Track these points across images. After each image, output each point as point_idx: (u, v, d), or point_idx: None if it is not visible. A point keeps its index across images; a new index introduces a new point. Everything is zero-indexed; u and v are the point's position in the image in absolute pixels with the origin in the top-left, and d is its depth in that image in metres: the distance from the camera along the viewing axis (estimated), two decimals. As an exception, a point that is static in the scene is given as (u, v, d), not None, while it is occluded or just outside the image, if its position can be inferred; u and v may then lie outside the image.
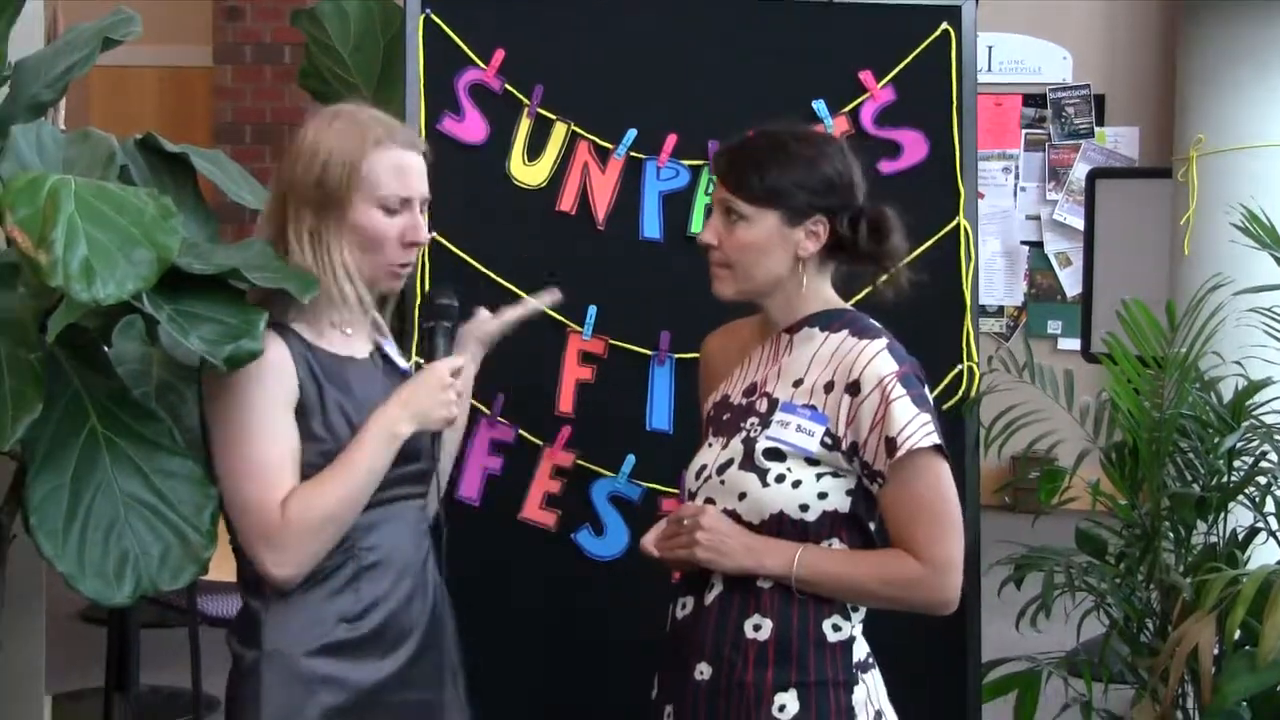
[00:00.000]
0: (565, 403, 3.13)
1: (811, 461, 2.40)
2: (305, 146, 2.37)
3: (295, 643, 2.32)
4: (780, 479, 2.40)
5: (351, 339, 2.42)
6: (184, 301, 2.22)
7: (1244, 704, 3.08)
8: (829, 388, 2.42)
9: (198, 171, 2.80)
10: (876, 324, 2.49)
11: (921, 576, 2.38)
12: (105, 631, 4.96)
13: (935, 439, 2.37)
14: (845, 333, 2.47)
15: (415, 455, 2.41)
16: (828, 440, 2.40)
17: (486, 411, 3.10)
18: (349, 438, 2.33)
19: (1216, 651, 3.03)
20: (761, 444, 2.42)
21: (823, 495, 2.40)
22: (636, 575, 3.09)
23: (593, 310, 3.14)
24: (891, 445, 2.36)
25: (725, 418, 2.52)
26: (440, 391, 2.39)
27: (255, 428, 2.29)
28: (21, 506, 2.31)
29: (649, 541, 2.52)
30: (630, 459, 3.15)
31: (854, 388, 2.40)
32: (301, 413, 2.32)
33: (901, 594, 2.40)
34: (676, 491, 3.14)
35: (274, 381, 2.30)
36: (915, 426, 2.36)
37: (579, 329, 3.14)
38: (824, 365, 2.45)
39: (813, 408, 2.42)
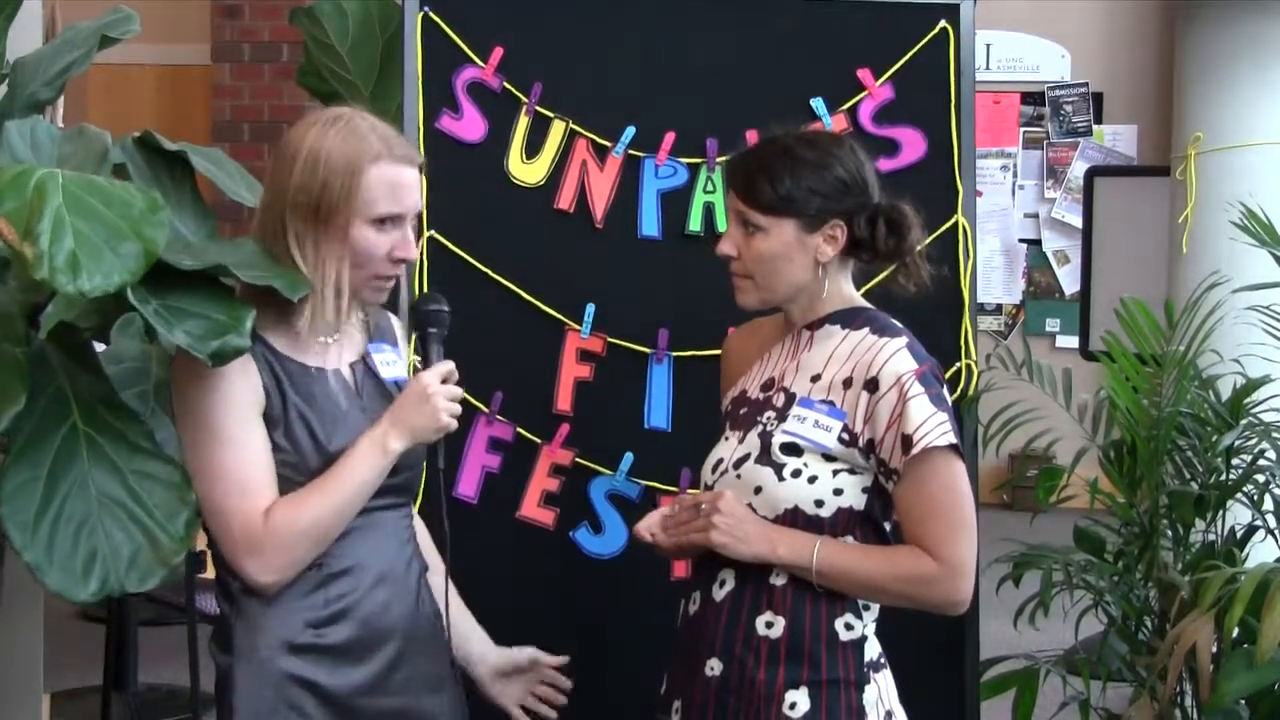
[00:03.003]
0: (563, 401, 3.13)
1: (828, 457, 2.40)
2: (304, 153, 2.32)
3: (263, 646, 2.32)
4: (796, 474, 2.39)
5: (329, 349, 2.39)
6: (171, 296, 2.20)
7: (1242, 702, 3.08)
8: (847, 384, 2.42)
9: (196, 170, 2.80)
10: (898, 323, 2.48)
11: (935, 575, 2.37)
12: (103, 630, 4.97)
13: (952, 438, 2.36)
14: (866, 330, 2.46)
15: (396, 468, 2.38)
16: (845, 436, 2.40)
17: (485, 410, 3.10)
18: (311, 450, 2.31)
19: (1215, 649, 3.03)
20: (778, 438, 2.42)
21: (838, 491, 2.40)
22: (635, 573, 3.10)
23: (591, 308, 3.14)
24: (908, 442, 2.35)
25: (742, 412, 2.52)
26: (424, 403, 2.34)
27: (227, 436, 2.28)
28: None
29: (646, 527, 2.50)
30: (629, 457, 3.15)
31: (872, 384, 2.39)
32: (265, 421, 2.31)
33: (914, 591, 2.39)
34: (675, 489, 3.14)
35: (242, 388, 2.29)
36: (932, 425, 2.35)
37: (577, 327, 3.14)
38: (843, 362, 2.44)
39: (830, 403, 2.42)
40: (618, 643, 3.13)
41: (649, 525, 2.51)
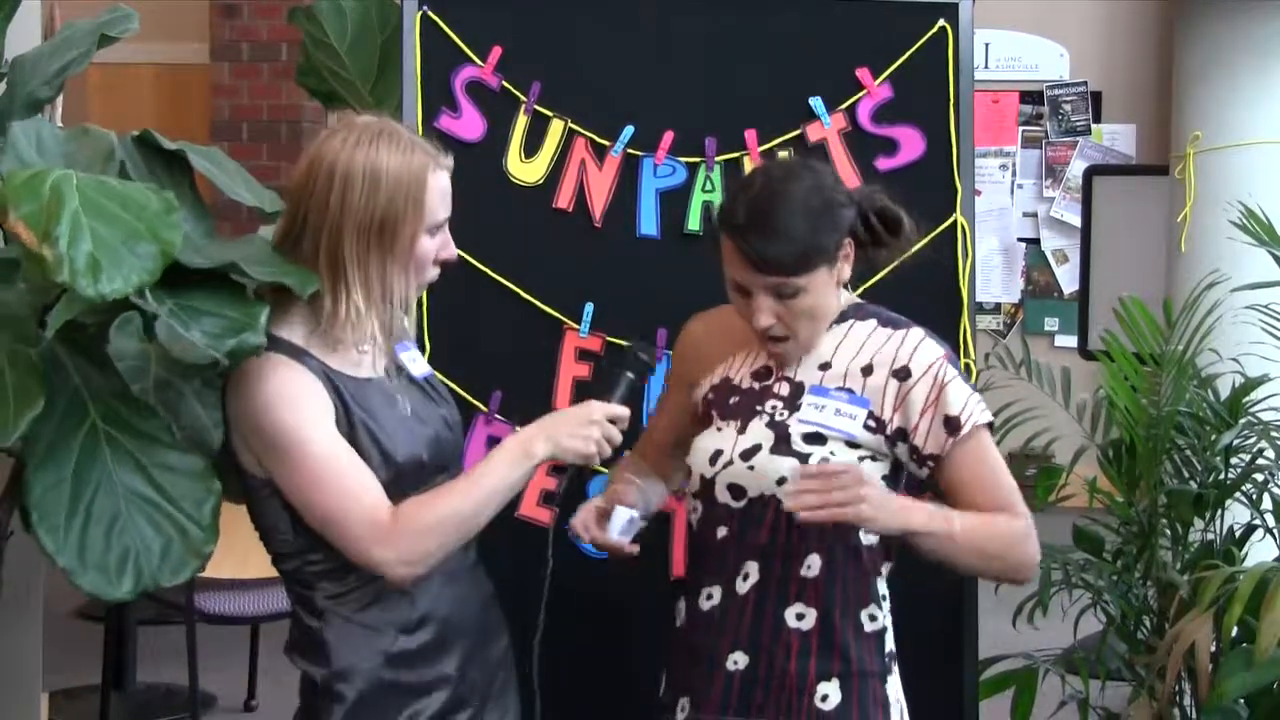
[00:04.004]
0: (562, 400, 3.13)
1: (852, 445, 2.41)
2: (359, 173, 2.31)
3: (364, 659, 2.35)
4: (823, 462, 2.39)
5: (367, 357, 2.40)
6: (185, 296, 2.22)
7: (1241, 701, 3.08)
8: (868, 371, 2.43)
9: (195, 169, 2.79)
10: (901, 315, 2.52)
11: (1026, 531, 2.42)
12: (102, 628, 4.97)
13: (990, 414, 2.44)
14: (873, 322, 2.49)
15: (444, 466, 2.41)
16: (871, 424, 2.41)
17: (484, 409, 3.10)
18: (380, 463, 2.32)
19: (1214, 649, 3.04)
20: (798, 428, 2.41)
21: None
22: (634, 573, 3.10)
23: (589, 307, 3.14)
24: (954, 423, 2.39)
25: (733, 401, 2.50)
26: (582, 426, 2.36)
27: (326, 447, 2.27)
28: (20, 503, 2.31)
29: (582, 523, 2.49)
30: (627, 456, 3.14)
31: (903, 373, 2.42)
32: None
33: (1013, 551, 2.42)
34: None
35: (321, 404, 2.29)
36: (974, 404, 2.41)
37: (575, 326, 3.14)
38: (855, 350, 2.46)
39: (850, 391, 2.43)
40: (616, 642, 3.13)
41: (584, 521, 2.50)
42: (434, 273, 2.44)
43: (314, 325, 2.35)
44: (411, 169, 2.33)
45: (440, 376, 2.63)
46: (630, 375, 2.49)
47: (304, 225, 2.34)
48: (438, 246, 2.40)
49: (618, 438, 2.39)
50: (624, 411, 2.42)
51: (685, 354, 2.66)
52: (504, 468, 2.34)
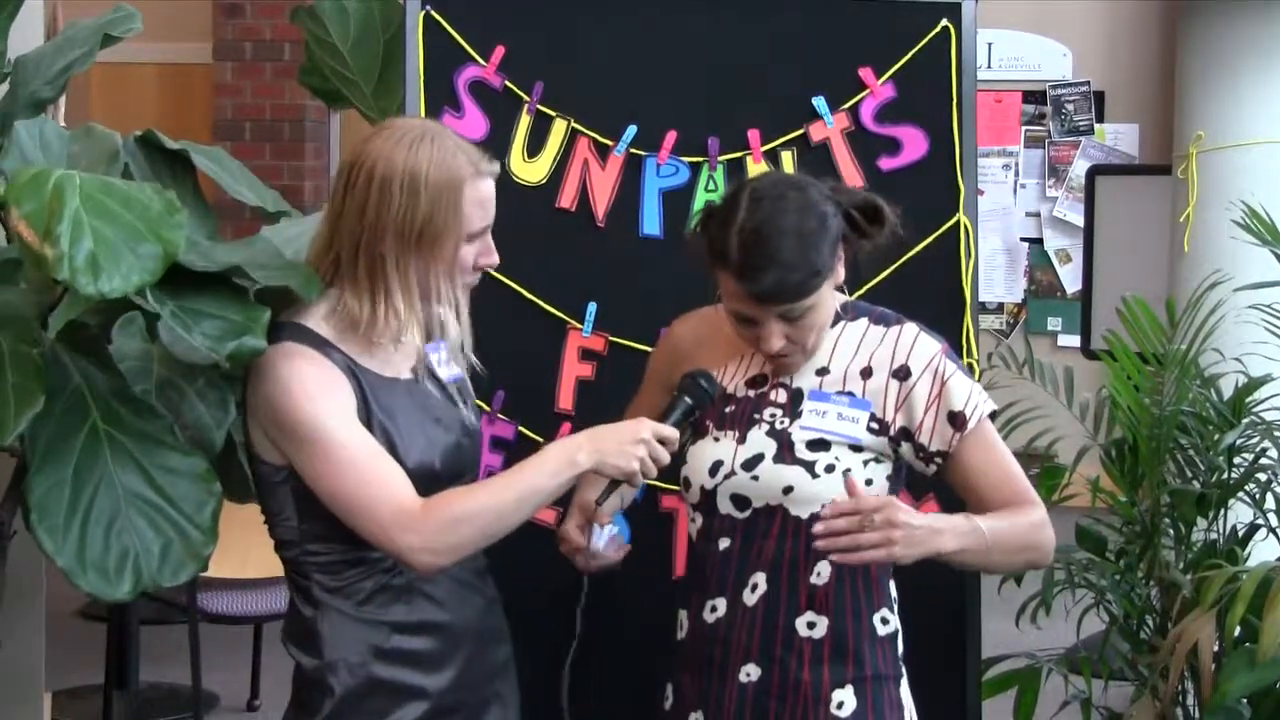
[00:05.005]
0: (565, 399, 3.13)
1: (856, 449, 2.40)
2: (398, 178, 2.30)
3: (355, 651, 2.35)
4: (830, 469, 2.38)
5: (396, 356, 2.40)
6: (187, 298, 2.22)
7: (1244, 701, 3.08)
8: (867, 373, 2.42)
9: (197, 169, 2.80)
10: (888, 310, 2.51)
11: (1045, 517, 2.42)
12: (105, 628, 4.97)
13: (993, 403, 2.45)
14: (864, 321, 2.48)
15: (460, 473, 2.41)
16: (874, 425, 2.40)
17: (487, 408, 3.10)
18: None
19: (1216, 649, 3.04)
20: (801, 435, 2.40)
21: (869, 482, 2.39)
22: (638, 574, 3.10)
23: (593, 307, 3.14)
24: (959, 419, 2.39)
25: (728, 410, 2.49)
26: (629, 444, 2.31)
27: (346, 440, 2.27)
28: (22, 502, 2.31)
29: (574, 543, 2.50)
30: (630, 456, 3.14)
31: (903, 372, 2.41)
32: None
33: (1040, 539, 2.41)
34: (676, 488, 3.14)
35: (345, 398, 2.29)
36: (977, 395, 2.41)
37: (579, 326, 3.14)
38: (853, 352, 2.45)
39: (851, 394, 2.42)
40: (618, 642, 3.13)
41: (575, 532, 2.52)
42: (474, 278, 2.43)
43: (340, 316, 2.34)
44: (450, 176, 2.32)
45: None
46: (688, 400, 2.45)
47: (341, 226, 2.34)
48: (477, 253, 2.40)
49: (665, 459, 2.34)
50: (674, 434, 2.37)
51: (669, 356, 2.63)
52: (545, 473, 2.30)
